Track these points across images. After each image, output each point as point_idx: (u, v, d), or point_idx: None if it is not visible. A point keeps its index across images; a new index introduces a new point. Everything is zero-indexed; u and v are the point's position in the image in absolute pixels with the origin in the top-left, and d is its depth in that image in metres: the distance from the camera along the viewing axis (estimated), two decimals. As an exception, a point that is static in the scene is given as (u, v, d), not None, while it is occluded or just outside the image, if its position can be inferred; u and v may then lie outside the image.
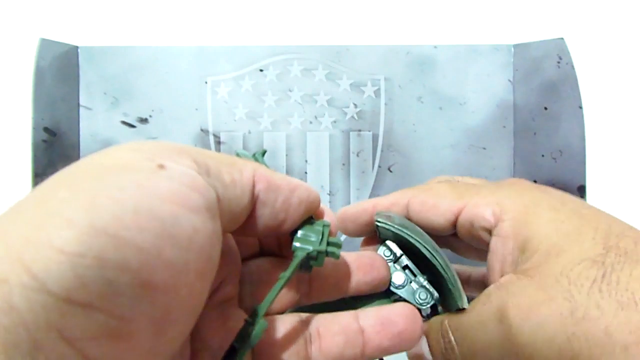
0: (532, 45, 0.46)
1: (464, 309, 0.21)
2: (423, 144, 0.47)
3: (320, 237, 0.19)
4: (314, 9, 0.49)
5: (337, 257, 0.19)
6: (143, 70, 0.46)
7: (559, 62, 0.45)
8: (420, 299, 0.22)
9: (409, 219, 0.23)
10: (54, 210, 0.11)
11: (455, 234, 0.24)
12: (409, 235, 0.21)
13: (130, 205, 0.11)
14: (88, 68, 0.46)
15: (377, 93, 0.47)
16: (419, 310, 0.22)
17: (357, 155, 0.47)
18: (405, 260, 0.22)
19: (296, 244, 0.19)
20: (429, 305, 0.22)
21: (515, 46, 0.47)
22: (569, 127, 0.43)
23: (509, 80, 0.47)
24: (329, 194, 0.47)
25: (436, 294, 0.22)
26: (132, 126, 0.47)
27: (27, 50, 0.44)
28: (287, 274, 0.18)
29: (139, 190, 0.12)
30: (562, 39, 0.44)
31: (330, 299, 0.22)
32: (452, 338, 0.21)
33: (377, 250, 0.23)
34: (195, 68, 0.46)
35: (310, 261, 0.19)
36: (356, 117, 0.47)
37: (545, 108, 0.46)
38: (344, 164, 0.47)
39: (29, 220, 0.11)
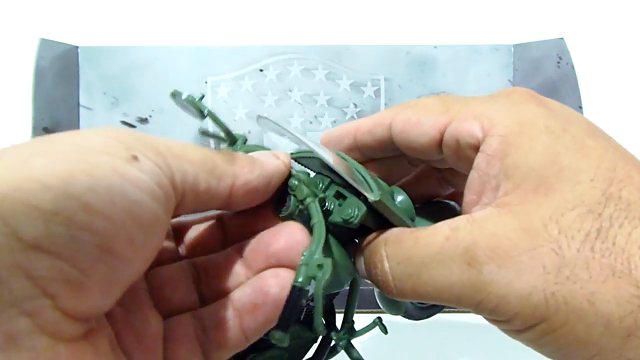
0: (532, 45, 0.46)
1: (377, 202, 0.18)
2: (423, 144, 0.47)
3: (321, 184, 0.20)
4: (314, 9, 0.49)
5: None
6: (143, 70, 0.46)
7: (559, 62, 0.45)
8: (347, 215, 0.20)
9: (393, 140, 0.21)
10: (32, 175, 0.13)
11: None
12: (310, 151, 0.20)
13: (104, 182, 0.13)
14: (88, 68, 0.46)
15: (377, 93, 0.47)
16: (350, 228, 0.20)
17: (357, 155, 0.47)
18: (333, 188, 0.21)
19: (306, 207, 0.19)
20: (357, 220, 0.19)
21: (515, 46, 0.47)
22: (569, 127, 0.43)
23: (509, 80, 0.47)
24: (329, 194, 0.47)
25: (363, 207, 0.19)
26: (132, 126, 0.47)
27: (27, 50, 0.44)
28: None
29: (113, 172, 0.14)
30: (562, 39, 0.44)
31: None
32: (388, 271, 0.18)
33: None
34: (195, 68, 0.46)
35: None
36: (356, 117, 0.47)
37: (545, 108, 0.45)
38: (344, 164, 0.47)
39: (7, 181, 0.12)
